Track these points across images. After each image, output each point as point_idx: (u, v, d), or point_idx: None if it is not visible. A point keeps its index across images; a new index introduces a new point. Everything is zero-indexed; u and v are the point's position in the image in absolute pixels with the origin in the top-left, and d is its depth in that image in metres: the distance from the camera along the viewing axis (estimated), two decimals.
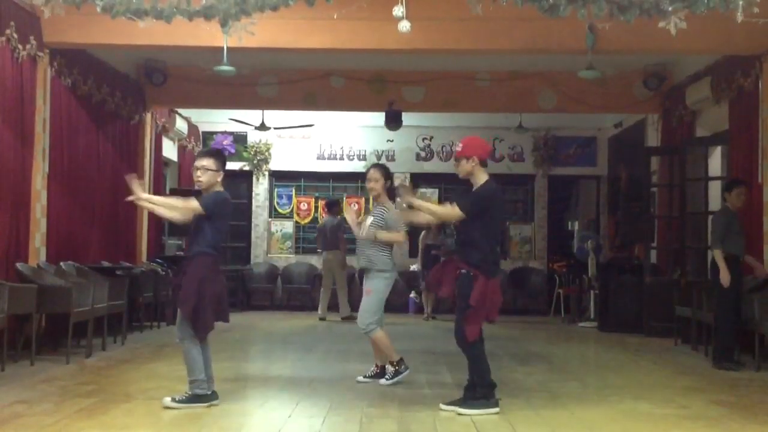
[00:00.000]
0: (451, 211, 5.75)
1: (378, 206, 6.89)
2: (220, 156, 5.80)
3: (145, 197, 5.67)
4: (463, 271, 5.58)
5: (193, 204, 5.60)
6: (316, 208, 15.48)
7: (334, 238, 12.88)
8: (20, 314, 7.33)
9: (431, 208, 6.04)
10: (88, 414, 5.30)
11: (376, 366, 6.90)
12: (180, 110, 13.78)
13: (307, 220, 15.67)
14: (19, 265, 7.98)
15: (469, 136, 6.06)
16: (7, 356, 7.08)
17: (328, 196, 15.35)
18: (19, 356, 7.38)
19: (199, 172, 5.63)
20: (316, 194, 15.79)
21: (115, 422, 5.11)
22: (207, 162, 5.66)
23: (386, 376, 6.74)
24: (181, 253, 5.46)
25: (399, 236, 6.76)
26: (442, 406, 5.65)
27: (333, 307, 13.01)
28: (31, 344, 7.31)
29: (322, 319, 12.70)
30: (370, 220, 6.83)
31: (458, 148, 5.81)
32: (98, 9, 5.57)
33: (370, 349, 6.99)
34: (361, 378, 6.84)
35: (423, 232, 13.34)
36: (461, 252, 5.72)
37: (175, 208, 5.72)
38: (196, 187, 5.81)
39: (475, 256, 5.57)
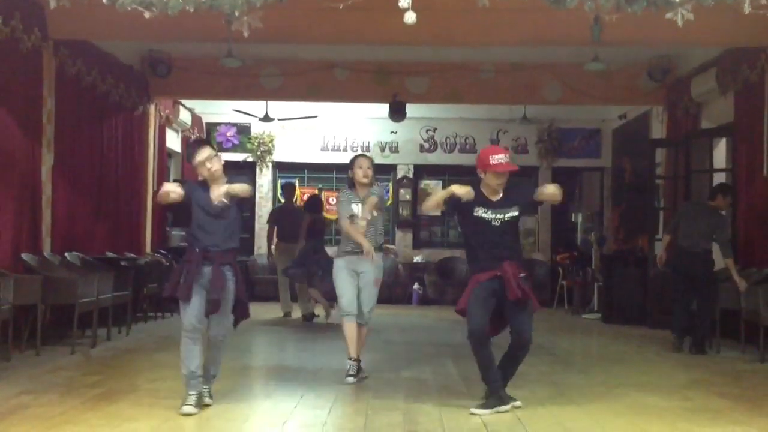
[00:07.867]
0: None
1: (369, 188, 6.59)
2: (210, 141, 5.59)
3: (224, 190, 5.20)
4: (523, 275, 5.48)
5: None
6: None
7: (296, 227, 11.27)
8: (26, 305, 7.35)
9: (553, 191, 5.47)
10: (94, 405, 5.32)
11: (359, 359, 6.55)
12: (184, 101, 13.79)
13: None
14: (24, 256, 8.00)
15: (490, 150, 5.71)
16: (13, 347, 7.11)
17: (332, 187, 15.34)
18: (24, 347, 7.40)
19: (208, 163, 5.26)
20: (320, 185, 15.79)
21: (120, 413, 5.12)
22: (210, 150, 5.38)
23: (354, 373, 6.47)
24: (185, 244, 5.32)
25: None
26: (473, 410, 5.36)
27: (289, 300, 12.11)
28: (37, 335, 7.34)
29: (287, 314, 11.82)
30: (370, 201, 6.49)
31: (509, 162, 5.49)
32: (104, 0, 5.56)
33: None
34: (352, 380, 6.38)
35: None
36: (517, 256, 5.64)
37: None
38: (202, 179, 5.35)
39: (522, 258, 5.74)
